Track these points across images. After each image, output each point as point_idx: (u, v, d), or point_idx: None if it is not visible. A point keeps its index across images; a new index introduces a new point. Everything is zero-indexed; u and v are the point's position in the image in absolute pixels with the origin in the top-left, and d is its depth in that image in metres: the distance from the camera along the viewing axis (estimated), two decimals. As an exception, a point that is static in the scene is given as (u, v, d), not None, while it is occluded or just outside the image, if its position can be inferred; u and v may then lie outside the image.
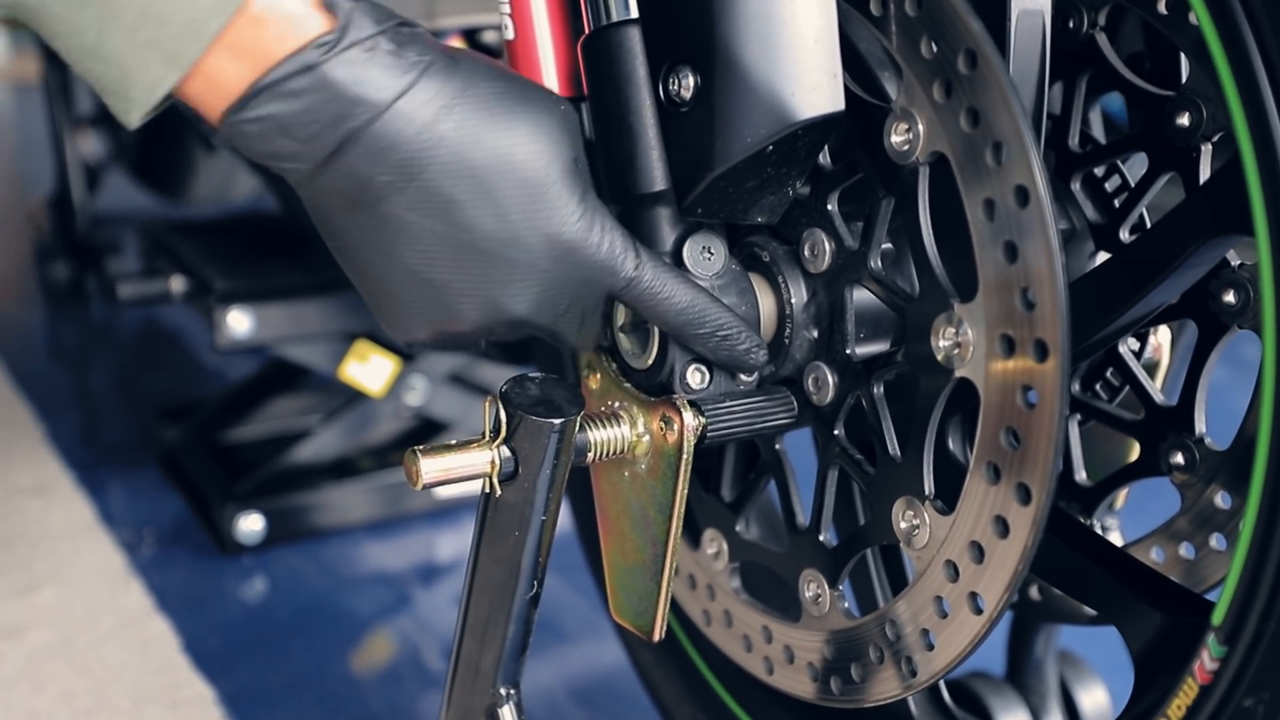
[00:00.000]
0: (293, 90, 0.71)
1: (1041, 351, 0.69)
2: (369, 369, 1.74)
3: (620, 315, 0.85)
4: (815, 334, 0.83)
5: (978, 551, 0.74)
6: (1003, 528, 0.73)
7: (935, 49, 0.72)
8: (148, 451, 1.97)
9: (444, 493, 1.78)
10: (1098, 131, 0.94)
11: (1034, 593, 1.01)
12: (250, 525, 1.70)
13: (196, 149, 2.55)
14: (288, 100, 0.71)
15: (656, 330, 0.82)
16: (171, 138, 2.60)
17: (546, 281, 0.77)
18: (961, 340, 0.73)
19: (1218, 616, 0.68)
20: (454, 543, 1.77)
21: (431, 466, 0.78)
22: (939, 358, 0.75)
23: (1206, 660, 0.69)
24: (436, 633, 1.55)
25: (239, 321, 1.64)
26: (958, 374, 0.74)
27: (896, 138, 0.75)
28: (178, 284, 1.75)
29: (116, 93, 0.72)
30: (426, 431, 1.89)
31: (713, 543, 0.96)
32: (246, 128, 0.72)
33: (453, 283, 0.77)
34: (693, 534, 0.97)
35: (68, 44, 0.71)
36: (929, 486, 0.78)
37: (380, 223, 0.75)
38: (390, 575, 1.68)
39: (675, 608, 1.01)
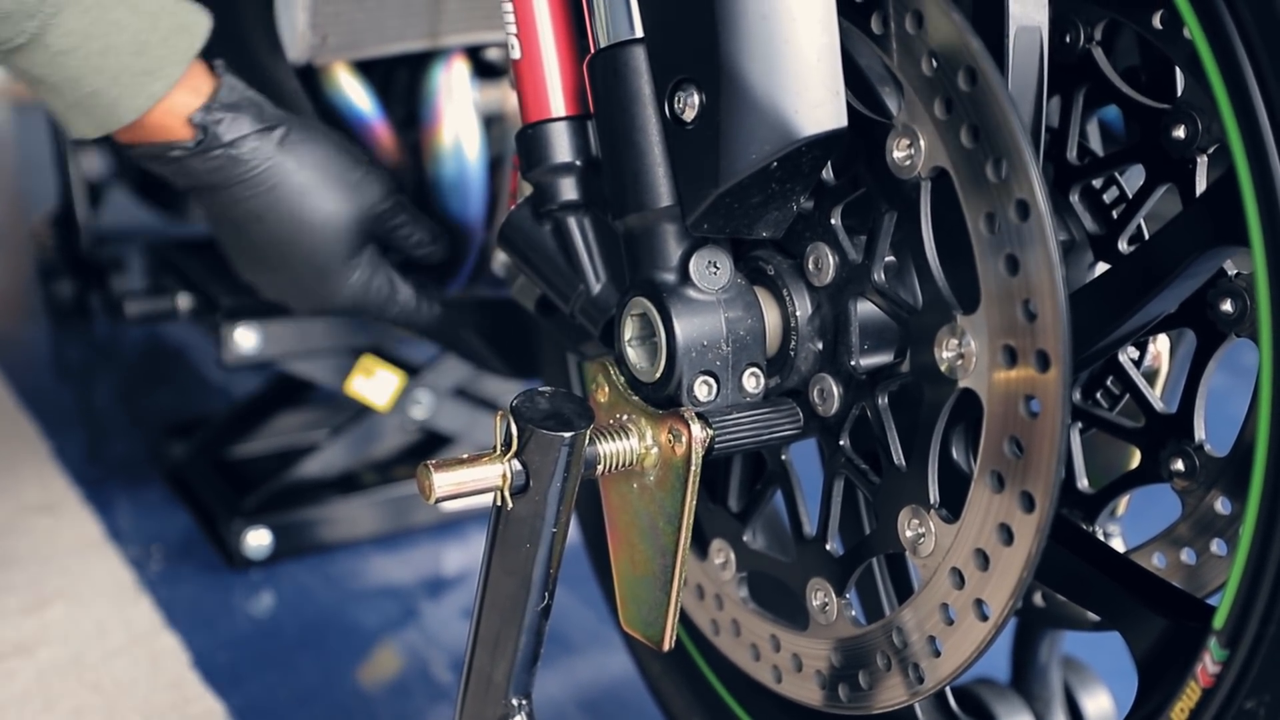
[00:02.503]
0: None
1: (1043, 362, 0.70)
2: (374, 384, 1.75)
3: (628, 329, 0.87)
4: (820, 346, 0.85)
5: (983, 559, 0.76)
6: (1007, 535, 0.74)
7: (936, 66, 0.74)
8: (154, 468, 1.98)
9: (450, 506, 1.79)
10: (1095, 144, 0.95)
11: (1038, 599, 1.02)
12: (257, 540, 1.71)
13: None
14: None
15: (664, 344, 0.83)
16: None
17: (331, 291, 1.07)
18: (964, 351, 0.75)
19: (1219, 621, 0.69)
20: (461, 556, 1.78)
21: (444, 480, 0.80)
22: (942, 369, 0.76)
23: (1209, 664, 0.70)
24: (444, 645, 1.56)
25: (245, 337, 1.65)
26: (961, 384, 0.76)
27: (899, 153, 0.77)
28: (184, 301, 1.76)
29: (100, 106, 0.92)
30: (432, 445, 1.90)
31: (720, 553, 0.97)
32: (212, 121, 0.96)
33: (273, 279, 1.07)
34: (700, 544, 0.98)
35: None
36: (934, 495, 0.79)
37: (223, 208, 1.01)
38: (398, 589, 1.69)
39: (683, 618, 1.02)
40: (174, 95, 0.94)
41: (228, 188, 0.96)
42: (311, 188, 0.98)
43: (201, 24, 0.94)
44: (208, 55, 1.02)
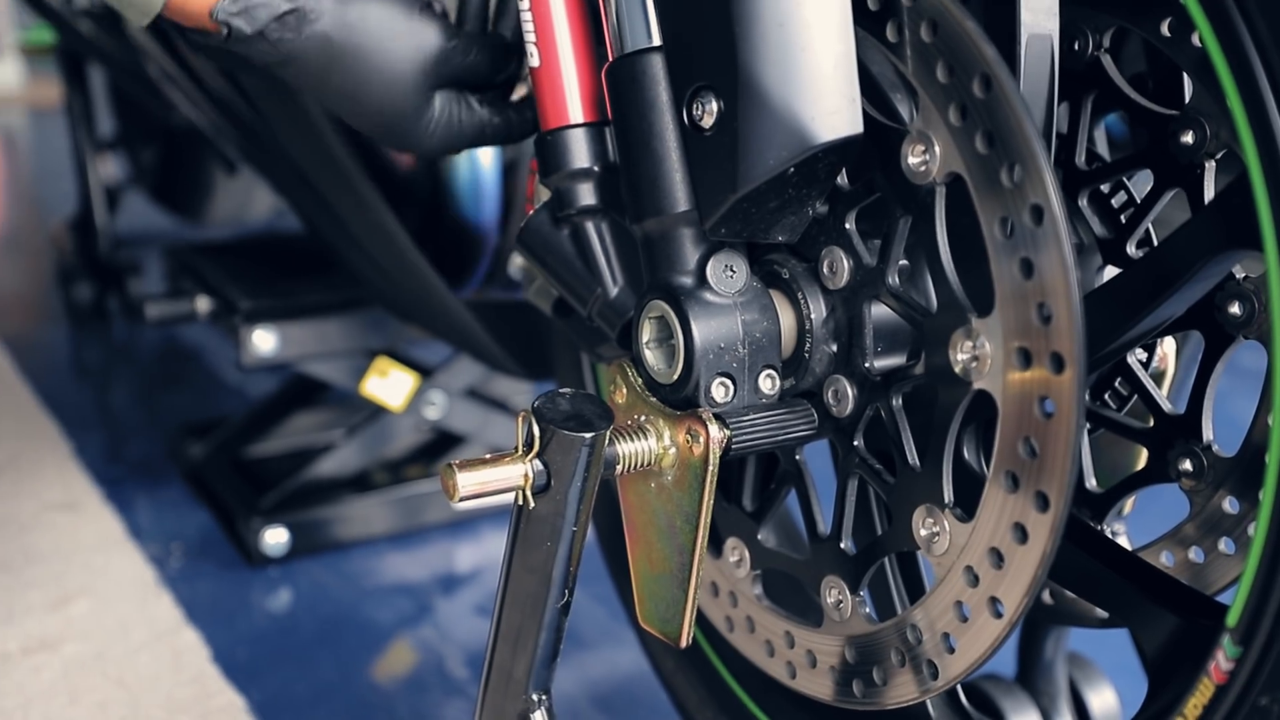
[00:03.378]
0: None
1: (1058, 363, 0.70)
2: (389, 384, 1.75)
3: (646, 332, 0.86)
4: (834, 348, 0.84)
5: (997, 557, 0.75)
6: (1021, 534, 0.74)
7: (950, 73, 0.73)
8: (173, 467, 1.98)
9: (462, 505, 1.79)
10: (1102, 149, 0.95)
11: (1045, 596, 1.01)
12: (275, 538, 1.71)
13: (215, 171, 2.56)
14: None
15: (682, 346, 0.83)
16: (190, 160, 2.62)
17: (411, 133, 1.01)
18: (979, 353, 0.74)
19: (1232, 618, 0.69)
20: (472, 553, 1.78)
21: (468, 480, 0.79)
22: (957, 370, 0.76)
23: (1222, 661, 0.69)
24: (458, 641, 1.55)
25: (264, 340, 1.65)
26: (975, 386, 0.75)
27: (913, 159, 0.76)
28: (203, 304, 1.76)
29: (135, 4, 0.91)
30: (445, 445, 1.90)
31: (735, 551, 0.96)
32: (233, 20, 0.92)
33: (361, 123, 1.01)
34: (715, 543, 0.98)
35: None
36: (948, 495, 0.79)
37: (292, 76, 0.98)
38: (412, 585, 1.69)
39: (698, 614, 1.02)
40: None
41: (282, 65, 0.96)
42: (364, 50, 0.96)
43: None
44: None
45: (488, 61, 1.01)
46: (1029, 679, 1.11)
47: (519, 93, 1.06)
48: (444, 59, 0.98)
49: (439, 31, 0.98)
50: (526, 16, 0.90)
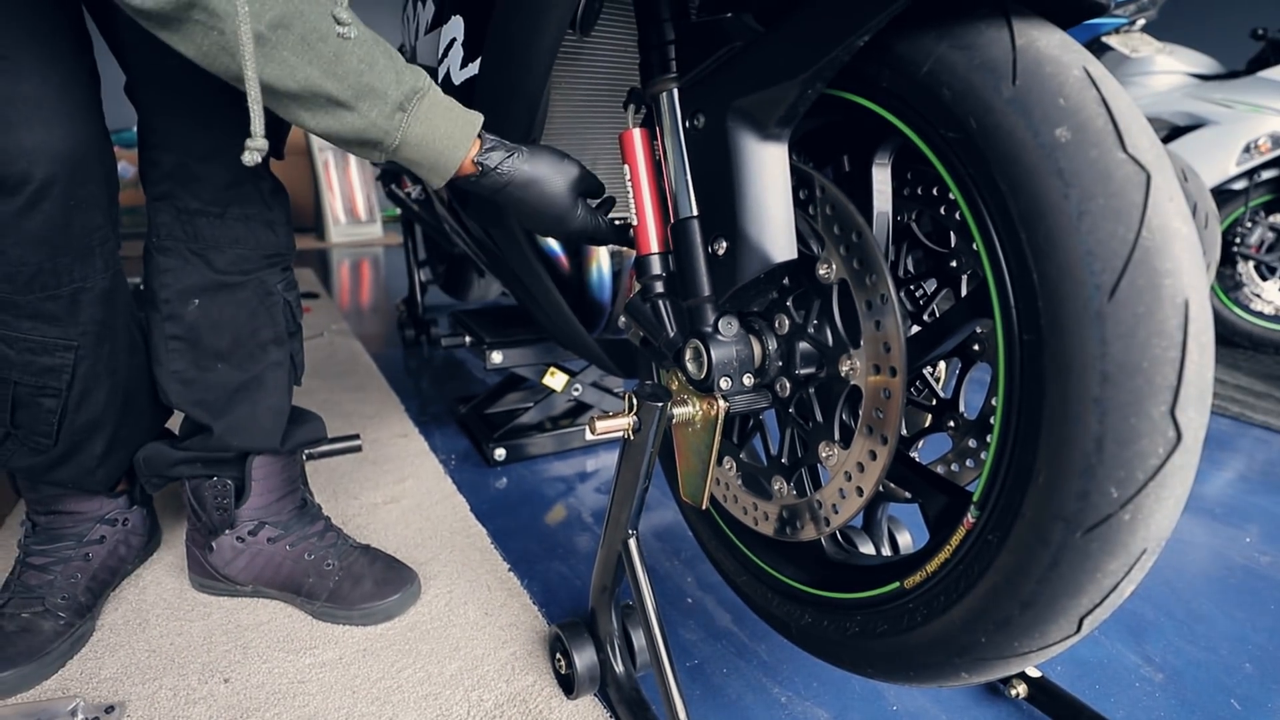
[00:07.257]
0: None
1: (893, 373, 0.69)
2: (555, 379, 1.75)
3: (687, 354, 0.86)
4: (781, 364, 0.84)
5: (860, 467, 0.74)
6: (872, 456, 0.73)
7: (840, 230, 0.73)
8: (451, 418, 1.99)
9: (590, 437, 1.79)
10: (911, 267, 0.93)
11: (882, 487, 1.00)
12: (499, 453, 1.71)
13: (473, 273, 2.58)
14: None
15: (706, 362, 0.82)
16: (462, 268, 2.64)
17: (569, 224, 0.91)
18: (855, 367, 0.74)
19: (976, 497, 0.68)
20: (595, 462, 1.77)
21: (602, 425, 0.80)
22: (843, 375, 0.75)
23: (969, 518, 0.68)
24: (588, 505, 1.55)
25: (497, 356, 1.66)
26: (852, 383, 0.75)
27: (821, 271, 0.76)
28: (468, 338, 1.78)
29: (439, 166, 0.84)
30: (580, 409, 1.89)
31: (728, 462, 0.96)
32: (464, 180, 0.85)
33: (537, 221, 0.91)
34: (719, 458, 0.97)
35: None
36: (837, 436, 0.78)
37: (506, 194, 0.88)
38: (565, 477, 1.69)
39: (711, 494, 1.01)
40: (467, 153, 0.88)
41: (505, 187, 0.90)
42: (544, 176, 0.90)
43: (479, 117, 0.89)
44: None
45: (598, 187, 0.97)
46: (869, 528, 1.09)
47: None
48: (583, 179, 0.94)
49: (579, 168, 0.95)
50: (630, 202, 0.90)
